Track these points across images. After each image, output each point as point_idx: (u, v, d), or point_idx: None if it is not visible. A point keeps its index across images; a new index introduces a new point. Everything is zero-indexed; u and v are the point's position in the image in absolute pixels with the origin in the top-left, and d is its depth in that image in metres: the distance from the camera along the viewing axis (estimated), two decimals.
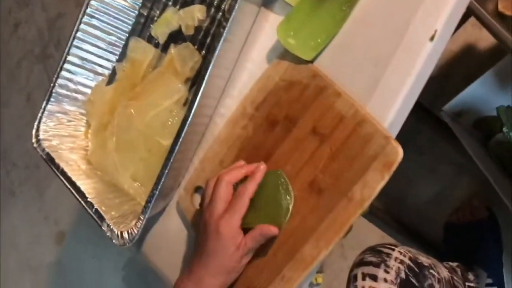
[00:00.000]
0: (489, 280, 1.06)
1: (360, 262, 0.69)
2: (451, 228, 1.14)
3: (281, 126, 0.65)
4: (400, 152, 0.55)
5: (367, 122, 0.57)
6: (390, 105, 0.58)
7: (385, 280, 0.65)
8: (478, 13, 0.80)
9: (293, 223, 0.61)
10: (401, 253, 0.69)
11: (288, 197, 0.61)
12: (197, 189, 0.73)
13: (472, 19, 0.80)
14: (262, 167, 0.62)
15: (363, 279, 0.67)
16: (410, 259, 0.69)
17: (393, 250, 0.69)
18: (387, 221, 1.24)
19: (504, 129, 1.00)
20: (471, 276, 1.03)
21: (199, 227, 0.64)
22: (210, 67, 0.63)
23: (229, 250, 0.60)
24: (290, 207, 0.61)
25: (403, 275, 0.66)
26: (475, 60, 1.15)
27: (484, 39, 1.14)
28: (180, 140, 0.65)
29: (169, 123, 0.74)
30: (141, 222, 0.69)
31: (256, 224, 0.61)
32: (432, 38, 0.56)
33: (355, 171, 0.57)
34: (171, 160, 0.66)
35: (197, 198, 0.73)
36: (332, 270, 1.33)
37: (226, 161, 0.69)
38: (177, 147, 0.66)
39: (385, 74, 0.58)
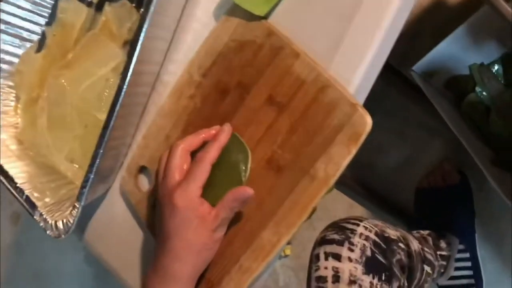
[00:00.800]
0: (461, 247, 1.02)
1: (322, 240, 0.63)
2: (422, 194, 1.09)
3: (233, 95, 0.56)
4: (368, 122, 0.47)
5: (330, 87, 0.49)
6: (356, 66, 0.50)
7: (350, 259, 0.59)
8: None
9: (249, 206, 0.53)
10: (366, 228, 0.63)
11: (243, 155, 0.54)
12: (142, 169, 0.64)
13: None
14: (228, 128, 0.54)
15: (326, 258, 0.61)
16: (376, 234, 0.63)
17: (358, 225, 0.63)
18: (356, 189, 1.18)
19: (477, 89, 0.94)
20: (443, 244, 0.98)
21: (156, 213, 0.55)
22: (145, 26, 0.53)
23: (192, 223, 0.50)
24: (248, 163, 0.53)
25: (368, 252, 0.60)
26: (445, 15, 1.08)
27: None
28: (115, 113, 0.56)
29: (106, 94, 0.64)
30: (77, 209, 0.60)
31: (219, 198, 0.52)
32: None
33: (318, 145, 0.49)
34: (106, 138, 0.57)
35: (142, 180, 0.64)
36: (300, 241, 1.28)
37: (172, 136, 0.61)
38: (111, 122, 0.56)
39: (350, 29, 0.50)
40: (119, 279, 0.66)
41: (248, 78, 0.55)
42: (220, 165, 0.53)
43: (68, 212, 0.61)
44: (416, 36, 1.11)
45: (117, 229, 0.66)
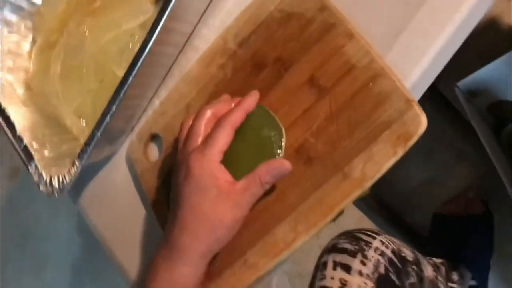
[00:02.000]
0: (473, 282, 0.95)
1: (333, 248, 0.57)
2: (440, 219, 1.02)
3: (270, 71, 0.50)
4: (423, 122, 0.41)
5: (384, 76, 0.43)
6: (417, 59, 0.43)
7: (360, 274, 0.53)
8: None
9: (268, 198, 0.47)
10: (383, 243, 0.57)
11: (276, 132, 0.47)
12: (154, 137, 0.58)
13: None
14: (254, 94, 0.48)
15: (334, 268, 0.55)
16: (393, 251, 0.57)
17: (375, 238, 0.57)
18: (369, 203, 1.12)
19: None
20: (455, 276, 0.92)
21: (172, 182, 0.48)
22: None
23: (209, 193, 0.43)
24: (283, 141, 0.47)
25: (382, 269, 0.54)
26: (498, 35, 1.01)
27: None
28: (135, 71, 0.50)
29: (128, 50, 0.58)
30: (76, 168, 0.54)
31: (244, 173, 0.45)
32: None
33: (359, 140, 0.43)
34: (121, 95, 0.51)
35: (152, 149, 0.58)
36: (302, 249, 1.22)
37: (194, 106, 0.55)
38: (130, 79, 0.50)
39: (417, 16, 0.43)
40: (109, 253, 0.60)
41: (290, 54, 0.48)
42: (247, 139, 0.47)
43: (66, 169, 0.55)
44: (461, 51, 1.04)
45: (116, 199, 0.61)
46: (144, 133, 0.58)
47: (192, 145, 0.46)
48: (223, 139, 0.44)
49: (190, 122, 0.48)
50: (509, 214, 0.96)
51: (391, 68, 0.43)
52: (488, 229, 0.98)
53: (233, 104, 0.48)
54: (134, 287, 0.58)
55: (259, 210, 0.47)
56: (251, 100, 0.47)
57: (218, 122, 0.45)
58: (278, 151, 0.46)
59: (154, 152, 0.58)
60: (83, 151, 0.53)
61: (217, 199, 0.43)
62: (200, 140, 0.46)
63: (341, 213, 0.44)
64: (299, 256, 1.24)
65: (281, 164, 0.44)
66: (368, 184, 0.43)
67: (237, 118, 0.45)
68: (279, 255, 0.46)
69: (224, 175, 0.44)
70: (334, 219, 0.45)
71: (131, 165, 0.59)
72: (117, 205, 0.60)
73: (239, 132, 0.46)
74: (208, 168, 0.43)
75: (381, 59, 0.44)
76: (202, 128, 0.46)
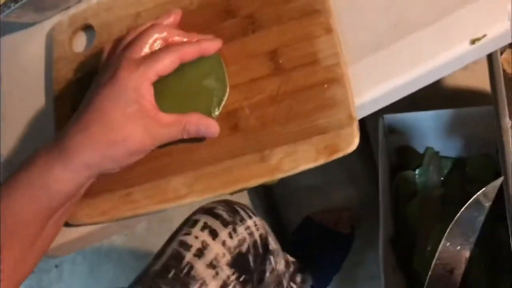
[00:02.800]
0: None
1: (209, 211, 0.57)
2: (309, 223, 1.07)
3: (237, 23, 0.47)
4: (355, 144, 0.41)
5: (341, 84, 0.42)
6: (378, 82, 0.43)
7: (223, 244, 0.53)
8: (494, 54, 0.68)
9: (179, 143, 0.44)
10: (255, 225, 0.59)
11: (220, 88, 0.45)
12: (86, 27, 0.52)
13: None
14: (218, 41, 0.44)
15: (202, 229, 0.54)
16: (260, 236, 0.60)
17: (250, 218, 0.59)
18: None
19: (418, 171, 0.93)
20: (298, 278, 0.97)
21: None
22: None
23: (126, 106, 0.39)
24: (224, 99, 0.44)
25: (244, 248, 0.56)
26: (441, 89, 1.06)
27: (462, 78, 1.05)
28: None
29: None
30: None
31: (173, 111, 0.43)
32: (474, 42, 0.42)
33: (290, 131, 0.43)
34: None
35: (80, 39, 0.53)
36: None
37: (144, 17, 0.50)
38: None
39: (396, 43, 0.43)
40: None
41: (264, 18, 0.46)
42: (188, 79, 0.44)
43: None
44: None
45: (17, 72, 0.55)
46: (79, 19, 0.52)
47: (130, 54, 0.42)
48: (165, 64, 0.41)
49: (138, 31, 0.43)
50: (369, 245, 1.03)
51: (351, 79, 0.43)
52: (343, 250, 1.05)
53: (191, 34, 0.44)
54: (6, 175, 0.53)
55: (165, 151, 0.45)
56: (212, 46, 0.44)
57: (167, 46, 0.42)
58: (216, 109, 0.44)
59: (80, 43, 0.53)
60: (6, 5, 0.46)
61: (133, 116, 0.40)
62: (141, 53, 0.42)
63: (242, 190, 0.43)
64: (175, 214, 1.23)
65: (212, 127, 0.43)
66: (279, 176, 0.42)
67: (189, 53, 0.42)
68: (164, 204, 0.44)
69: (150, 97, 0.41)
70: (232, 193, 0.44)
71: (49, 45, 0.53)
72: (18, 78, 0.54)
73: (183, 67, 0.43)
74: (137, 82, 0.40)
75: (345, 66, 0.43)
76: (149, 43, 0.42)
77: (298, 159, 0.42)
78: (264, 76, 0.44)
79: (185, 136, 0.43)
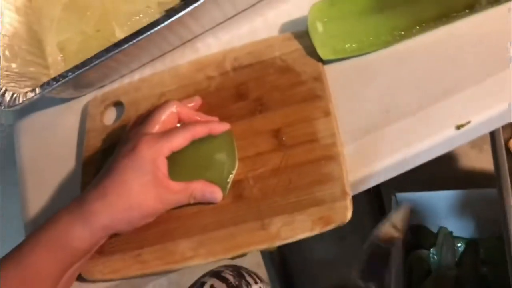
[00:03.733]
0: None
1: (216, 274, 0.59)
2: None
3: (247, 104, 0.53)
4: (347, 217, 0.45)
5: (336, 162, 0.47)
6: (370, 162, 0.47)
7: None
8: (496, 133, 0.72)
9: (188, 208, 0.49)
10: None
11: (230, 163, 0.50)
12: (117, 104, 0.59)
13: None
14: (226, 125, 0.50)
15: None
16: None
17: (256, 283, 0.60)
18: (274, 253, 1.16)
19: (432, 250, 0.94)
20: None
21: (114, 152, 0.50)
22: None
23: (144, 176, 0.44)
24: (233, 173, 0.49)
25: None
26: (454, 172, 1.08)
27: (476, 160, 1.07)
28: (134, 40, 0.52)
29: (138, 17, 0.60)
30: (34, 93, 0.55)
31: (181, 178, 0.48)
32: (459, 127, 0.46)
33: (289, 202, 0.47)
34: (110, 54, 0.52)
35: (110, 114, 0.59)
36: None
37: (167, 97, 0.57)
38: (125, 45, 0.52)
39: (387, 128, 0.48)
40: (22, 186, 0.60)
41: (271, 101, 0.52)
42: (201, 152, 0.49)
43: (24, 90, 0.56)
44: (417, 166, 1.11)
45: (53, 141, 0.61)
46: (111, 96, 0.59)
47: (147, 129, 0.48)
48: (179, 141, 0.47)
49: (154, 108, 0.50)
50: None
51: (346, 158, 0.47)
52: None
53: (198, 115, 0.51)
54: (29, 230, 0.58)
55: (174, 216, 0.49)
56: (220, 128, 0.50)
57: (183, 126, 0.48)
58: (227, 183, 0.49)
59: (110, 117, 0.59)
60: (49, 83, 0.54)
61: (147, 185, 0.45)
62: (156, 127, 0.48)
63: (243, 255, 0.47)
64: (185, 270, 1.26)
65: (215, 193, 0.48)
66: (278, 243, 0.46)
67: (200, 132, 0.48)
68: (171, 265, 0.48)
69: (164, 169, 0.46)
70: (233, 258, 0.47)
71: (83, 117, 0.60)
72: (53, 146, 0.60)
73: (197, 141, 0.48)
74: (154, 155, 0.45)
75: (341, 146, 0.48)
76: (162, 118, 0.48)
77: (295, 228, 0.46)
78: (268, 151, 0.49)
79: (192, 201, 0.48)
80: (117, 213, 0.45)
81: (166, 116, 0.48)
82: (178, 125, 0.50)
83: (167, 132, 0.47)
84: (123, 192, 0.45)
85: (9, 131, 1.60)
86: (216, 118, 0.52)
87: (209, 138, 0.50)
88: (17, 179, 0.62)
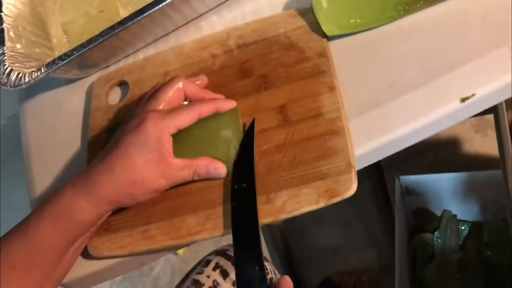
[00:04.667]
0: None
1: (222, 252, 0.60)
2: (328, 285, 1.07)
3: (252, 82, 0.53)
4: (353, 189, 0.45)
5: (341, 136, 0.47)
6: (375, 136, 0.47)
7: (234, 284, 0.57)
8: (501, 114, 0.72)
9: (193, 185, 0.49)
10: (266, 269, 0.61)
11: (237, 139, 0.50)
12: (122, 83, 0.59)
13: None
14: (232, 102, 0.50)
15: (214, 269, 0.59)
16: (271, 280, 0.61)
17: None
18: (278, 241, 1.16)
19: (436, 234, 0.94)
20: None
21: (117, 128, 0.50)
22: None
23: (149, 153, 0.45)
24: (236, 152, 0.49)
25: None
26: (455, 155, 1.09)
27: (480, 145, 1.07)
28: (138, 18, 0.52)
29: None
30: (39, 73, 0.55)
31: (187, 155, 0.48)
32: (464, 100, 0.46)
33: (294, 176, 0.47)
34: (114, 32, 0.52)
35: (115, 93, 0.60)
36: (196, 250, 1.24)
37: (171, 75, 0.57)
38: (129, 23, 0.52)
39: (392, 102, 0.48)
40: (27, 163, 0.61)
41: (276, 77, 0.52)
42: (207, 129, 0.49)
43: (29, 70, 0.56)
44: (419, 151, 1.11)
45: (59, 121, 0.61)
46: (116, 76, 0.59)
47: (153, 106, 0.48)
48: (185, 119, 0.47)
49: (160, 85, 0.50)
50: None
51: (351, 132, 0.48)
52: None
53: (204, 93, 0.51)
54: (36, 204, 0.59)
55: (180, 192, 0.50)
56: (226, 105, 0.50)
57: (189, 104, 0.48)
58: (232, 158, 0.49)
59: (115, 97, 0.59)
60: (54, 62, 0.54)
61: (152, 161, 0.45)
62: (163, 105, 0.48)
63: None
64: (190, 257, 1.27)
65: (220, 168, 0.48)
66: (284, 217, 0.46)
67: (206, 111, 0.48)
68: (178, 240, 0.48)
69: (169, 146, 0.46)
70: None
71: (88, 97, 0.61)
72: (58, 126, 0.61)
73: (203, 118, 0.49)
74: (160, 132, 0.45)
75: (346, 120, 0.48)
76: (168, 95, 0.48)
77: (300, 202, 0.46)
78: (273, 128, 0.49)
79: (196, 178, 0.48)
80: (121, 186, 0.45)
81: (172, 93, 0.48)
82: (185, 102, 0.51)
83: (173, 110, 0.47)
84: (128, 166, 0.45)
85: (9, 123, 1.61)
86: (222, 96, 0.52)
87: (215, 115, 0.50)
88: (18, 171, 0.63)
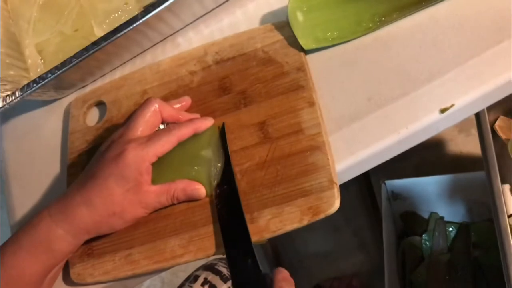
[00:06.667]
0: None
1: (210, 267, 0.60)
2: None
3: (231, 98, 0.52)
4: (336, 206, 0.45)
5: (322, 152, 0.46)
6: (356, 150, 0.47)
7: None
8: (482, 116, 0.72)
9: (175, 206, 0.49)
10: None
11: (219, 159, 0.49)
12: (99, 103, 0.58)
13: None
14: (210, 120, 0.50)
15: (203, 284, 0.59)
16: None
17: None
18: (267, 248, 1.16)
19: (424, 236, 0.94)
20: None
21: (98, 151, 0.49)
22: None
23: (127, 183, 0.44)
24: (217, 171, 0.49)
25: None
26: (440, 157, 1.09)
27: (464, 144, 1.08)
28: (113, 38, 0.51)
29: (116, 15, 0.59)
30: (14, 97, 0.54)
31: (167, 180, 0.48)
32: (443, 111, 0.46)
33: (277, 194, 0.46)
34: (90, 53, 0.52)
35: (93, 114, 0.59)
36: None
37: (149, 94, 0.56)
38: (104, 43, 0.51)
39: (372, 115, 0.47)
40: (7, 188, 0.59)
41: (255, 93, 0.51)
42: (188, 152, 0.48)
43: (4, 94, 0.55)
44: (404, 155, 1.11)
45: (37, 144, 0.60)
46: (93, 96, 0.58)
47: (131, 133, 0.47)
48: (165, 147, 0.46)
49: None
50: None
51: (332, 146, 0.47)
52: None
53: (183, 114, 0.50)
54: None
55: (163, 214, 0.49)
56: (204, 124, 0.49)
57: (167, 129, 0.47)
58: (214, 180, 0.48)
59: (93, 118, 0.59)
60: (29, 85, 0.53)
61: (130, 191, 0.45)
62: (140, 130, 0.47)
63: None
64: (179, 268, 1.25)
65: (198, 190, 0.47)
66: (267, 236, 0.46)
67: (185, 134, 0.48)
68: (161, 264, 0.48)
69: (147, 175, 0.46)
70: (223, 253, 0.47)
71: (66, 118, 0.60)
72: (36, 149, 0.60)
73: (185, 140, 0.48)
74: (140, 163, 0.45)
75: (326, 135, 0.47)
76: (145, 119, 0.48)
77: (284, 220, 0.45)
78: (254, 145, 0.49)
79: (175, 201, 0.47)
80: (100, 218, 0.45)
81: (149, 116, 0.48)
82: (161, 126, 0.50)
83: (152, 138, 0.46)
84: (107, 198, 0.45)
85: None
86: (197, 115, 0.51)
87: (194, 135, 0.49)
88: (1, 187, 0.62)
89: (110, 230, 0.47)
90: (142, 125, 0.47)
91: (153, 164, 0.46)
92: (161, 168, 0.47)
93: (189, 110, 0.52)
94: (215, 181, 0.48)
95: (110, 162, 0.45)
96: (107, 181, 0.45)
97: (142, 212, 0.47)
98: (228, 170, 0.48)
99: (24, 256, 0.44)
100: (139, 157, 0.45)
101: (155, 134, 0.47)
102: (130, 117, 0.48)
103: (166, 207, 0.49)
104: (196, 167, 0.49)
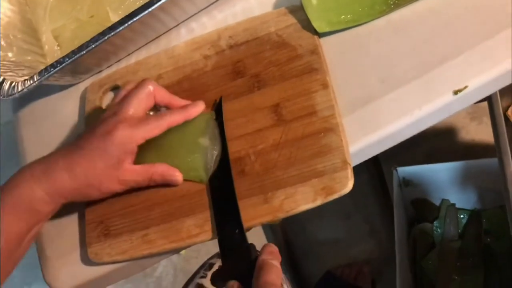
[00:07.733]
0: None
1: None
2: (330, 278, 1.08)
3: (244, 81, 0.53)
4: (349, 186, 0.45)
5: (335, 133, 0.47)
6: (369, 132, 0.48)
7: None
8: (495, 102, 0.72)
9: (191, 186, 0.49)
10: None
11: (215, 146, 0.50)
12: (115, 88, 0.59)
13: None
14: (200, 104, 0.51)
15: None
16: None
17: None
18: (278, 236, 1.16)
19: (435, 223, 0.94)
20: None
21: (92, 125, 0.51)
22: None
23: (109, 159, 0.47)
24: (214, 158, 0.50)
25: None
26: (451, 144, 1.09)
27: (476, 132, 1.08)
28: (129, 23, 0.52)
29: (131, 0, 0.60)
30: (32, 81, 0.55)
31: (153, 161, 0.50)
32: (456, 92, 0.46)
33: (291, 175, 0.47)
34: (106, 38, 0.52)
35: (109, 98, 0.59)
36: (197, 249, 1.24)
37: (165, 79, 0.57)
38: (120, 28, 0.52)
39: (385, 97, 0.48)
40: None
41: (269, 76, 0.52)
42: (186, 139, 0.50)
43: (22, 78, 0.56)
44: (414, 142, 1.11)
45: (53, 127, 0.61)
46: (109, 81, 0.59)
47: (124, 111, 0.48)
48: (154, 131, 0.48)
49: (131, 86, 0.51)
50: None
51: (345, 128, 0.48)
52: None
53: (177, 99, 0.51)
54: None
55: (178, 194, 0.50)
56: (195, 111, 0.50)
57: (159, 115, 0.49)
58: (211, 166, 0.50)
59: (108, 102, 0.59)
60: (46, 70, 0.54)
61: (111, 167, 0.47)
62: (132, 109, 0.48)
63: (247, 229, 0.47)
64: (192, 256, 1.27)
65: (176, 176, 0.49)
66: (282, 216, 0.46)
67: (175, 121, 0.49)
68: (177, 243, 0.49)
69: (131, 156, 0.48)
70: None
71: (83, 103, 0.61)
72: (53, 133, 0.61)
73: (182, 126, 0.50)
74: (127, 143, 0.47)
75: (340, 117, 0.48)
76: (139, 99, 0.49)
77: (298, 200, 0.46)
78: (267, 127, 0.50)
79: (152, 184, 0.49)
80: (79, 186, 0.47)
81: (143, 97, 0.49)
82: (151, 113, 0.51)
83: (143, 121, 0.48)
84: (89, 169, 0.47)
85: (4, 129, 1.60)
86: (189, 102, 0.52)
87: (192, 122, 0.50)
88: None
89: (85, 199, 0.50)
90: (135, 106, 0.49)
91: (151, 146, 0.48)
92: (158, 153, 0.49)
93: (202, 92, 0.53)
94: (212, 168, 0.50)
95: (98, 137, 0.47)
96: (92, 154, 0.47)
97: (118, 188, 0.49)
98: (224, 157, 0.50)
99: (7, 214, 0.46)
100: (127, 138, 0.47)
101: (147, 118, 0.48)
102: (125, 97, 0.49)
103: (180, 187, 0.50)
104: (192, 154, 0.50)
